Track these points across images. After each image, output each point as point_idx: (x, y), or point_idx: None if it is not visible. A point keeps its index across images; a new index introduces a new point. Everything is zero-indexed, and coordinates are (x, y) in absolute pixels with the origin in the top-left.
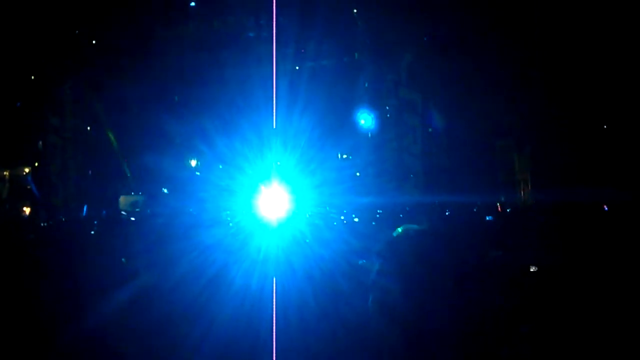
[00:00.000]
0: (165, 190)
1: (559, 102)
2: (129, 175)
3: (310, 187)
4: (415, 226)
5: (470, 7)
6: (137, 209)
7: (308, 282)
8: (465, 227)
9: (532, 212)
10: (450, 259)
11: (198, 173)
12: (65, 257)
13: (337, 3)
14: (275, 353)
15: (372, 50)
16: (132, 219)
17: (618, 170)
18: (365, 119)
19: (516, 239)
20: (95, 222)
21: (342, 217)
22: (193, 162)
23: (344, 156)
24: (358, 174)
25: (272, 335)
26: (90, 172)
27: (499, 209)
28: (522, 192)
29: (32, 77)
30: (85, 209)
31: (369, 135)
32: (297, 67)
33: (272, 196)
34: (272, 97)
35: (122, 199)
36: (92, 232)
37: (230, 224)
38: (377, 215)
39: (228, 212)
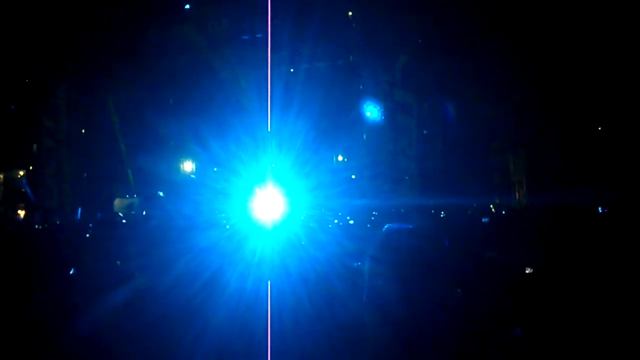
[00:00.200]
0: (161, 193)
1: (555, 104)
2: (124, 178)
3: (306, 190)
4: (399, 225)
5: (466, 8)
6: (133, 212)
7: (303, 284)
8: (459, 228)
9: (527, 214)
10: (441, 258)
11: (193, 176)
12: (60, 260)
13: (332, 5)
14: (270, 355)
15: (367, 53)
16: (127, 221)
17: (614, 172)
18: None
19: (511, 241)
20: (90, 224)
21: (336, 220)
22: (188, 165)
23: (339, 158)
24: (353, 176)
25: (267, 337)
26: (85, 174)
27: (494, 210)
28: (517, 194)
29: (27, 80)
30: (80, 211)
31: (364, 137)
32: (292, 70)
33: (267, 199)
34: (267, 99)
35: (117, 202)
36: (87, 235)
37: (227, 227)
38: (372, 218)
39: (223, 214)
